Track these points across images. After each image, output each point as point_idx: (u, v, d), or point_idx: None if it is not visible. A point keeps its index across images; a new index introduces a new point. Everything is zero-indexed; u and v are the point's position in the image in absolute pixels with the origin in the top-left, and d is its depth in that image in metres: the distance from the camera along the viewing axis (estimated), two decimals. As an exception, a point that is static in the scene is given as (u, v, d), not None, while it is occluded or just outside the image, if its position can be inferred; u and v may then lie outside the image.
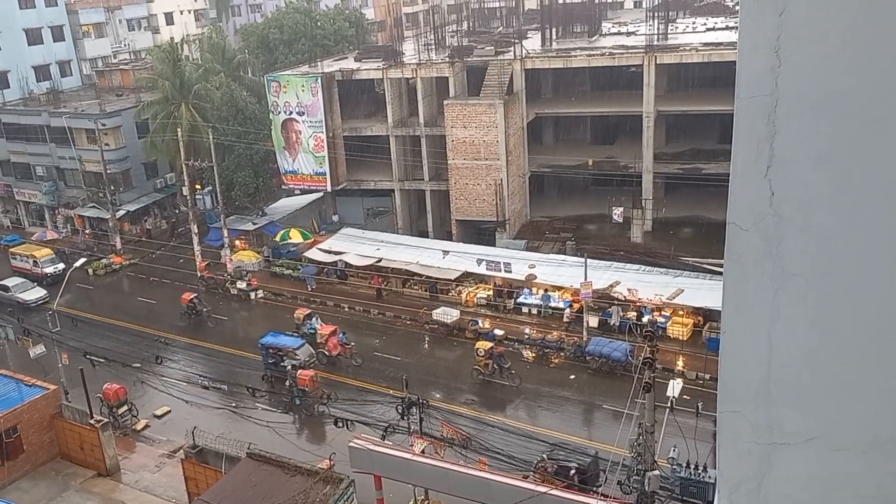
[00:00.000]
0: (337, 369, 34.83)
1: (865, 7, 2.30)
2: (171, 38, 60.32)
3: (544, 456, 25.33)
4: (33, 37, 60.92)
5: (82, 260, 40.55)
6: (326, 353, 34.91)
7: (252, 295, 43.16)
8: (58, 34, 62.85)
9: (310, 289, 42.98)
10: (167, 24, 75.25)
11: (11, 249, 49.46)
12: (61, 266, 46.82)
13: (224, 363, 36.42)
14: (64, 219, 55.95)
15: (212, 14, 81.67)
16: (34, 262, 47.07)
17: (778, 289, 2.58)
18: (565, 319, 36.99)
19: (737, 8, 37.18)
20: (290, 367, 32.86)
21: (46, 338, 34.03)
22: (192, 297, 40.76)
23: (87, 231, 54.16)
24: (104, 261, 48.83)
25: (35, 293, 44.07)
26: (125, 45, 70.78)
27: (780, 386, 2.66)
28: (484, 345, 33.36)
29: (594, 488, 23.51)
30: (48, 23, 61.91)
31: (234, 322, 41.73)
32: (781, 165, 2.50)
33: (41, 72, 61.31)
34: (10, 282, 44.77)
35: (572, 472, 24.25)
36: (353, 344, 35.71)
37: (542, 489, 21.05)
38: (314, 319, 37.32)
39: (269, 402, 32.14)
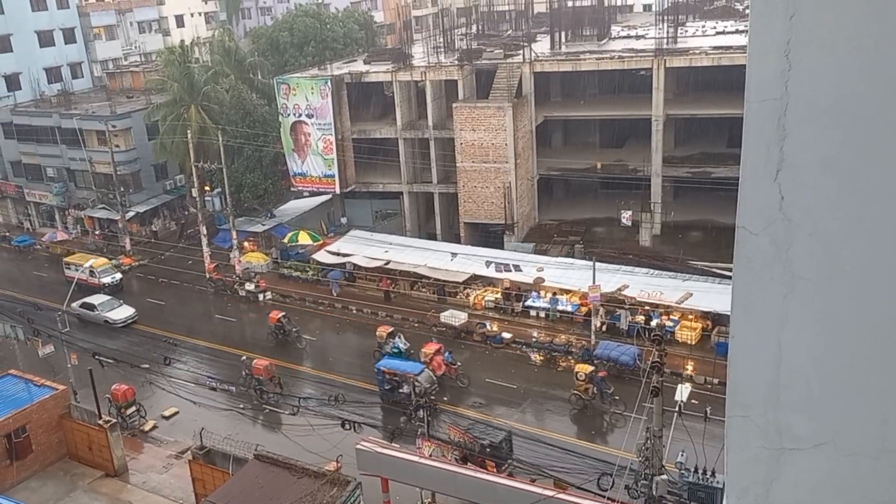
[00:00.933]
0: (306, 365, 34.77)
1: (876, 11, 2.30)
2: (182, 41, 60.61)
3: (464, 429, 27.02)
4: (45, 39, 61.39)
5: (93, 260, 40.84)
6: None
7: (260, 297, 43.27)
8: (69, 36, 63.31)
9: (335, 293, 42.20)
10: (177, 26, 75.68)
11: (66, 259, 47.36)
12: (119, 276, 45.62)
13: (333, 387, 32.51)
14: (74, 220, 56.29)
15: (222, 17, 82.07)
16: (91, 271, 45.04)
17: (787, 293, 2.57)
18: (599, 322, 35.46)
19: (747, 12, 37.10)
20: (408, 393, 30.56)
21: (55, 338, 34.22)
22: (280, 315, 37.92)
23: (96, 232, 54.48)
24: (114, 262, 49.07)
25: (123, 312, 41.22)
26: (136, 47, 71.24)
27: (789, 390, 2.65)
28: (584, 368, 30.74)
29: (506, 462, 25.92)
30: (60, 25, 62.39)
31: (317, 339, 39.37)
32: (791, 169, 2.49)
33: (52, 73, 61.77)
34: (96, 299, 41.66)
35: (486, 447, 26.11)
36: (459, 364, 33.44)
37: (550, 493, 21.00)
38: (398, 338, 34.71)
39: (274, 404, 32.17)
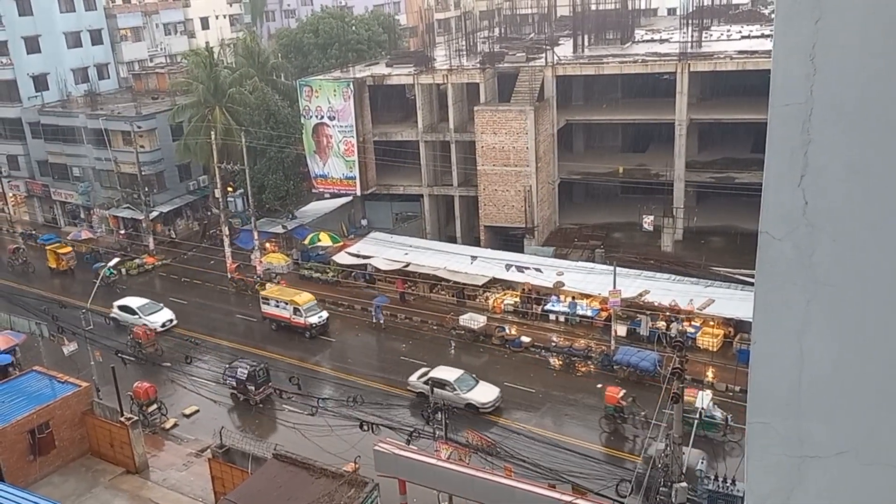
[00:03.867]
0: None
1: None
2: (207, 43, 61.29)
3: (226, 366, 32.84)
4: (73, 40, 62.29)
5: (116, 259, 41.28)
6: None
7: (281, 297, 43.46)
8: (96, 38, 64.18)
9: (376, 321, 39.31)
10: (203, 28, 76.45)
11: (263, 293, 40.90)
12: (325, 315, 39.16)
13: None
14: (99, 219, 57.07)
15: (247, 19, 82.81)
16: (295, 309, 38.61)
17: (810, 299, 2.55)
18: (673, 335, 31.63)
19: (772, 16, 36.69)
20: None
21: (79, 335, 34.68)
22: (620, 395, 29.07)
23: (121, 231, 55.16)
24: (137, 261, 49.66)
25: (488, 393, 31.45)
26: (161, 48, 72.04)
27: (811, 398, 2.62)
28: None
29: (263, 389, 32.13)
30: (87, 26, 63.26)
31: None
32: (815, 174, 2.47)
33: (79, 74, 62.64)
34: (450, 374, 32.13)
35: (245, 376, 31.90)
36: None
37: (568, 498, 20.90)
38: (710, 404, 28.03)
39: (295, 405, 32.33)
